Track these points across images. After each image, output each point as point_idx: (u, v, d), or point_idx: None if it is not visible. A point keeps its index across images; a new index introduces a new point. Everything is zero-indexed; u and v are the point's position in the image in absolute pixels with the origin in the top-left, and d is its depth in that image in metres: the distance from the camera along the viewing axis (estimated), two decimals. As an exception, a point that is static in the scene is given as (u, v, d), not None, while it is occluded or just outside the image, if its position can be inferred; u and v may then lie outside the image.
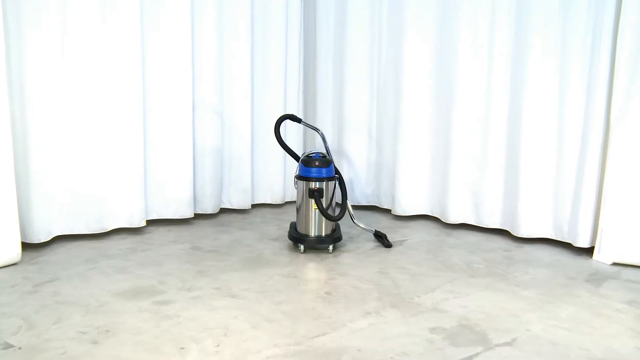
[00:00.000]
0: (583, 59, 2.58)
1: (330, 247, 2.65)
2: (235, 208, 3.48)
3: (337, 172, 2.75)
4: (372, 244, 2.83)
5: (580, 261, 2.57)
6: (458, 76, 3.02)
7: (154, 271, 2.33)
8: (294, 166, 3.13)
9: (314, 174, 2.62)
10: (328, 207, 2.64)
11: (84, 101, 2.69)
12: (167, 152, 3.05)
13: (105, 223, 2.83)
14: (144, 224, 2.95)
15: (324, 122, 3.70)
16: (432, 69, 3.18)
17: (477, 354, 1.64)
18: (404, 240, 2.91)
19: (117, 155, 2.83)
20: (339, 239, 2.69)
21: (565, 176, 2.71)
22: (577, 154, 2.66)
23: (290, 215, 3.37)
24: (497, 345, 1.70)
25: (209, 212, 3.32)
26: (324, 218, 2.62)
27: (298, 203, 2.71)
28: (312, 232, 2.66)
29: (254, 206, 3.62)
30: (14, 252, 2.35)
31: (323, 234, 2.67)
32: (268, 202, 3.68)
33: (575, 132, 2.65)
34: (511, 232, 2.94)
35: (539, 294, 2.15)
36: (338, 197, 2.77)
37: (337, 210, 2.70)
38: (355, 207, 3.55)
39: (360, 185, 3.64)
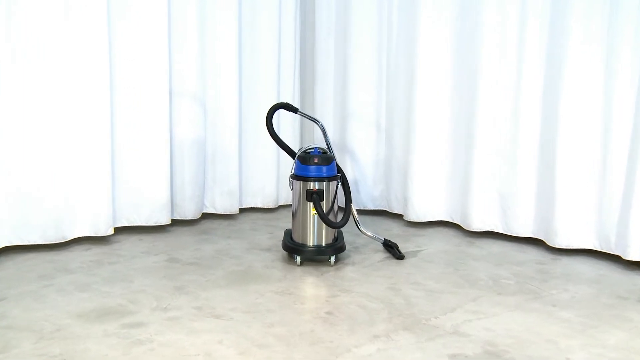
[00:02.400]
0: (634, 43, 2.57)
1: (332, 259, 2.66)
2: (220, 213, 3.50)
3: (339, 170, 2.75)
4: (381, 255, 2.84)
5: (632, 277, 2.55)
6: (482, 60, 3.02)
7: (124, 288, 2.32)
8: (289, 164, 3.13)
9: (312, 173, 2.63)
10: (329, 212, 2.64)
11: (37, 89, 2.68)
12: (139, 147, 3.06)
13: (64, 231, 2.83)
14: (111, 231, 2.95)
15: (325, 112, 3.71)
16: (452, 50, 3.18)
17: (507, 387, 1.63)
18: (418, 251, 2.91)
19: (79, 151, 2.82)
20: (342, 249, 2.70)
21: (612, 176, 2.70)
22: (626, 151, 2.64)
23: (285, 222, 3.37)
24: (531, 377, 1.69)
25: (189, 217, 3.34)
26: (324, 225, 2.62)
27: (294, 207, 2.71)
28: (311, 242, 2.67)
29: (242, 211, 3.64)
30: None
31: (323, 244, 2.68)
32: (259, 206, 3.71)
33: (624, 126, 2.64)
34: (546, 242, 2.93)
35: (581, 316, 2.13)
36: (341, 200, 2.77)
37: (340, 216, 2.70)
38: (360, 211, 3.55)
39: (367, 186, 3.64)
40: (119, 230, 3.08)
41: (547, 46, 2.85)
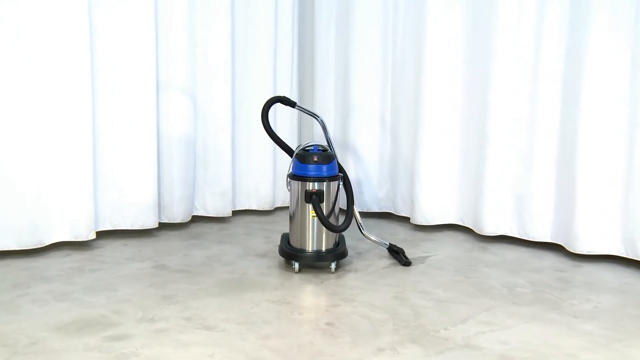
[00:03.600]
0: None
1: (333, 266, 2.66)
2: (211, 216, 3.51)
3: (341, 169, 2.76)
4: (386, 261, 2.84)
5: (661, 286, 2.57)
6: (496, 49, 3.02)
7: (106, 297, 2.32)
8: (286, 162, 3.12)
9: (311, 173, 2.63)
10: (330, 215, 2.65)
11: (9, 82, 2.66)
12: (123, 144, 3.06)
13: (41, 236, 2.82)
14: (93, 236, 2.94)
15: (325, 106, 3.72)
16: (463, 38, 3.19)
17: (524, 406, 1.62)
18: (426, 257, 2.91)
19: (58, 149, 2.81)
20: (344, 255, 2.71)
21: (638, 175, 2.69)
22: (654, 148, 2.66)
23: (282, 225, 3.37)
24: (550, 394, 1.69)
25: (178, 220, 3.35)
26: (324, 228, 2.62)
27: (292, 209, 2.72)
28: (310, 247, 2.67)
29: (235, 213, 3.64)
30: None
31: (323, 249, 2.68)
32: (253, 208, 3.72)
33: None
34: (566, 247, 2.93)
35: (605, 329, 2.11)
36: (342, 202, 2.77)
37: (342, 219, 2.70)
38: (364, 214, 3.55)
39: (371, 187, 3.64)
40: (102, 235, 3.07)
41: (567, 34, 2.84)
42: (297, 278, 2.58)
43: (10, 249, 2.76)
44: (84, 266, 2.67)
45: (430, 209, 3.35)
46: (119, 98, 3.01)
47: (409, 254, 2.88)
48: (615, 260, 2.81)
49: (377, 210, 3.67)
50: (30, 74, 2.71)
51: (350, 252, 2.83)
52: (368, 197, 3.65)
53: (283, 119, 3.68)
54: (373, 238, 2.91)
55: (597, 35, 2.71)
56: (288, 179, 2.70)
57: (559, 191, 2.94)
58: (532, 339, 2.01)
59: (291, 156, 2.73)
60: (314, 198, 2.58)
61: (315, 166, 2.62)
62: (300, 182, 2.64)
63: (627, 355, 1.93)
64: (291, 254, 2.67)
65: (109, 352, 1.86)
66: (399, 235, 3.28)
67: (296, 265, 2.64)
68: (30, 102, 2.72)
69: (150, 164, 3.12)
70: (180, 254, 2.90)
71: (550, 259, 2.89)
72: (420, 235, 3.30)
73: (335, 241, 2.72)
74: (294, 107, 2.82)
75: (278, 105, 2.83)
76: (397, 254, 2.84)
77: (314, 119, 2.96)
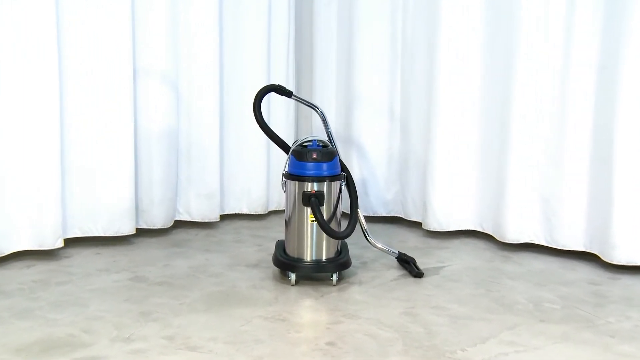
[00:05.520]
0: None
1: (334, 277, 2.66)
2: (196, 220, 3.53)
3: (343, 168, 2.77)
4: (395, 272, 2.85)
5: None
6: (521, 29, 3.01)
7: (76, 314, 2.31)
8: (282, 160, 3.11)
9: (310, 172, 2.64)
10: (331, 220, 2.65)
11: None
12: (95, 139, 3.06)
13: (0, 244, 2.80)
14: (60, 244, 2.94)
15: (326, 97, 3.73)
16: (483, 16, 3.19)
17: None
18: (441, 268, 2.92)
19: (20, 144, 2.80)
20: (347, 265, 2.72)
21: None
22: None
23: (277, 231, 3.38)
24: None
25: (158, 226, 3.36)
26: (324, 235, 2.63)
27: (288, 213, 2.72)
28: (308, 256, 2.69)
29: (223, 217, 3.66)
30: None
31: (323, 258, 2.69)
32: (244, 212, 3.75)
33: None
34: (601, 257, 2.93)
35: (647, 350, 2.13)
36: (345, 205, 2.79)
37: (344, 224, 2.71)
38: (369, 218, 3.55)
39: (378, 188, 3.65)
40: (71, 242, 3.07)
41: (603, 12, 2.82)
42: (293, 291, 2.59)
43: (-37, 260, 2.78)
44: (50, 278, 2.67)
45: (445, 213, 3.35)
46: (90, 87, 3.02)
47: (421, 264, 2.88)
48: (658, 272, 2.84)
49: (384, 214, 3.68)
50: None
51: (354, 262, 2.83)
52: (374, 200, 3.66)
53: (278, 111, 3.69)
54: (380, 246, 2.91)
55: (639, 14, 2.69)
56: (284, 179, 2.70)
57: (593, 192, 2.93)
58: (563, 361, 2.01)
59: (287, 153, 2.73)
60: (313, 200, 2.58)
61: (315, 164, 2.63)
62: (297, 182, 2.65)
63: (672, 381, 1.93)
64: (287, 264, 2.67)
65: (77, 377, 1.87)
66: (410, 243, 3.29)
67: (293, 276, 2.64)
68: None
69: (127, 161, 3.11)
70: (161, 264, 2.89)
71: (583, 270, 2.89)
72: (433, 242, 3.30)
73: (337, 249, 2.72)
74: (290, 97, 2.82)
75: (272, 95, 2.83)
76: (408, 264, 2.85)
77: (312, 110, 2.96)
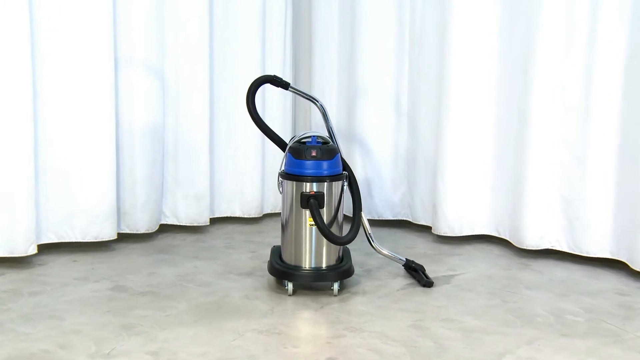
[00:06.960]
0: None
1: (335, 286, 2.66)
2: (184, 224, 3.54)
3: (345, 166, 2.77)
4: (402, 281, 2.85)
5: None
6: (542, 14, 3.01)
7: (50, 327, 2.30)
8: (278, 158, 3.12)
9: (309, 171, 2.64)
10: (332, 223, 2.65)
11: None
12: (72, 135, 3.06)
13: None
14: (33, 250, 2.94)
15: (326, 89, 3.75)
16: (498, 4, 3.19)
17: None
18: (452, 276, 2.92)
19: None
20: (349, 273, 2.72)
21: None
22: None
23: (272, 236, 3.38)
24: None
25: (142, 230, 3.37)
26: (324, 240, 2.62)
27: (284, 216, 2.72)
28: (307, 263, 2.69)
29: (214, 221, 3.67)
30: None
31: (323, 266, 2.69)
32: (237, 215, 3.76)
33: None
34: (630, 265, 2.92)
35: (680, 367, 2.10)
36: (347, 208, 2.78)
37: (346, 228, 2.70)
38: (374, 222, 3.57)
39: (383, 189, 3.67)
40: (45, 249, 3.08)
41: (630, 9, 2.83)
42: (290, 302, 2.58)
43: None
44: (21, 288, 2.66)
45: (457, 216, 3.36)
46: (65, 77, 3.01)
47: (431, 272, 2.88)
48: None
49: (390, 217, 3.70)
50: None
51: (357, 270, 2.82)
52: (379, 202, 3.68)
53: (274, 104, 3.71)
54: (386, 252, 2.91)
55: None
56: (280, 179, 2.71)
57: (621, 194, 2.94)
58: (588, 381, 2.02)
59: (284, 150, 2.73)
60: (312, 202, 2.58)
61: (314, 163, 2.63)
62: (294, 182, 2.65)
63: None
64: (284, 272, 2.67)
65: (50, 398, 1.87)
66: (418, 249, 3.29)
67: (290, 286, 2.64)
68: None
69: (107, 160, 3.11)
70: (145, 272, 2.89)
71: (610, 280, 2.89)
72: (444, 248, 3.31)
73: (339, 256, 2.72)
74: (287, 88, 2.81)
75: (267, 86, 2.83)
76: (416, 272, 2.85)
77: (312, 103, 2.96)
